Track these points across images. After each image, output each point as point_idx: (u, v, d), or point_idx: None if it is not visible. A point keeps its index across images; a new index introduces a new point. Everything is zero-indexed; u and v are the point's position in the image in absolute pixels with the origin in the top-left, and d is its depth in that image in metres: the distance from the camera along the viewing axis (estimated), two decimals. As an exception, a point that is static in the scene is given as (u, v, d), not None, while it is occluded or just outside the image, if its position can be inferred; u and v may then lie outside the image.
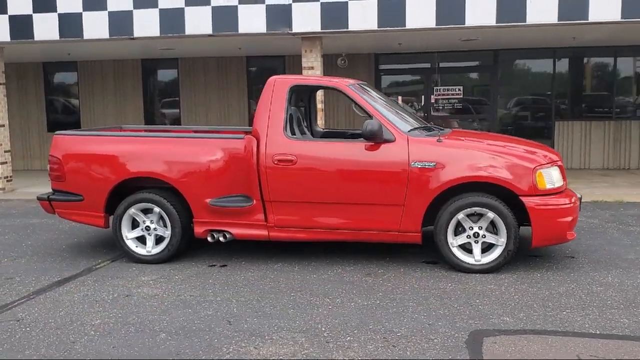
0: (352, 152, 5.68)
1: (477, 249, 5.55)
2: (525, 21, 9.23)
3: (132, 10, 10.03)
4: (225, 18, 9.82)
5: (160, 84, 14.90)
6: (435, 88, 13.44)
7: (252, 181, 5.81)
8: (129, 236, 6.08)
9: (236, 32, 9.88)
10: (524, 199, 5.40)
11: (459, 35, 10.80)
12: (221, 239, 5.96)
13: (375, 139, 5.53)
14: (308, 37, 10.06)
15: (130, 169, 5.95)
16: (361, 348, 3.94)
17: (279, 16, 9.72)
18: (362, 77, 13.53)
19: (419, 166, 5.50)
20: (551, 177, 5.50)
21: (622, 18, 8.99)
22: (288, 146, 5.76)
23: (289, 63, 13.92)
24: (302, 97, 6.66)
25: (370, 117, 5.74)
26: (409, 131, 5.71)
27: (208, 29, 9.92)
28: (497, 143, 5.81)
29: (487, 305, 4.71)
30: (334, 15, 9.60)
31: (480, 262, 5.51)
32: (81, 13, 10.18)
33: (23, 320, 4.53)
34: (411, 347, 3.94)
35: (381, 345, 3.97)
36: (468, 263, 5.53)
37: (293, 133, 5.94)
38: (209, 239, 5.99)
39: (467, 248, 5.61)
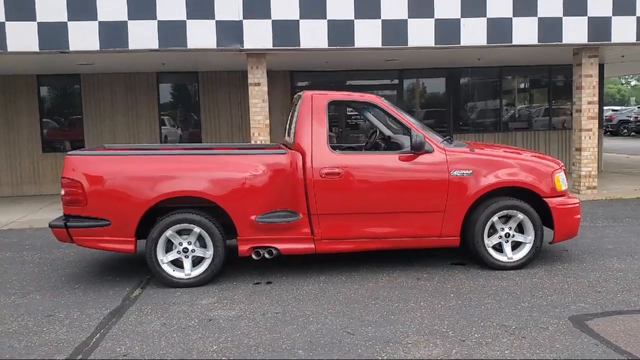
0: (394, 163, 5.97)
1: (508, 247, 6.12)
2: (459, 43, 10.17)
3: (66, 22, 9.31)
4: (172, 33, 9.52)
5: (57, 101, 13.77)
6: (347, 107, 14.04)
7: (299, 195, 5.84)
8: (164, 260, 5.76)
9: (185, 48, 9.62)
10: (547, 200, 6.09)
11: (387, 56, 11.52)
12: (267, 255, 5.89)
13: (422, 150, 5.89)
14: (254, 54, 10.10)
15: (169, 189, 5.66)
16: (497, 342, 4.25)
17: (230, 32, 9.66)
18: (279, 93, 13.80)
19: (458, 174, 5.96)
20: (563, 180, 6.26)
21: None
22: (334, 160, 5.89)
23: (203, 79, 13.68)
24: None
25: (406, 129, 6.08)
26: (441, 142, 6.15)
27: (154, 44, 9.53)
28: (513, 152, 6.45)
29: (553, 295, 5.26)
30: (286, 32, 9.77)
31: (513, 260, 6.09)
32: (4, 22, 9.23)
33: (131, 356, 4.18)
34: (540, 336, 4.33)
35: (513, 338, 4.32)
36: (502, 261, 6.08)
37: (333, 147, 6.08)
38: (254, 256, 5.88)
39: (495, 248, 6.15)
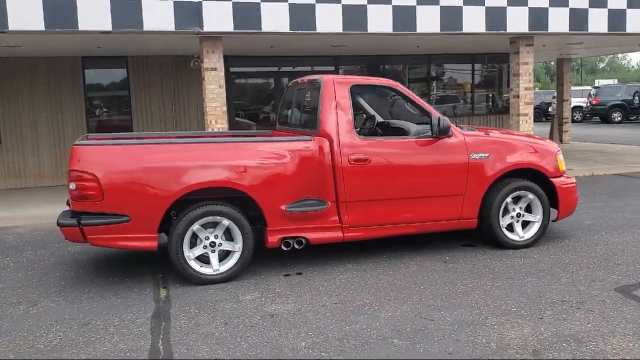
0: (418, 148, 5.98)
1: (519, 227, 6.36)
2: (416, 30, 10.35)
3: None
4: (127, 13, 8.84)
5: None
6: (285, 91, 13.85)
7: (327, 183, 5.68)
8: (191, 256, 5.38)
9: (140, 30, 8.98)
10: (553, 180, 6.39)
11: (334, 41, 11.49)
12: (296, 245, 5.68)
13: (446, 134, 5.94)
14: (209, 38, 9.67)
15: (197, 180, 5.27)
16: (573, 317, 4.40)
17: (189, 14, 9.15)
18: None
19: (477, 158, 6.09)
20: (563, 161, 6.60)
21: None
22: (361, 146, 5.78)
23: (133, 64, 12.86)
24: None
25: (425, 113, 6.10)
26: (456, 127, 6.24)
27: (106, 25, 8.80)
28: (518, 135, 6.69)
29: (582, 270, 5.54)
30: (247, 15, 9.42)
31: (524, 238, 6.34)
32: None
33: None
34: (605, 308, 4.55)
35: (583, 312, 4.49)
36: (515, 240, 6.31)
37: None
38: (284, 247, 5.65)
39: (507, 228, 6.35)
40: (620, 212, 7.97)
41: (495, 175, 6.14)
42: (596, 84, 39.72)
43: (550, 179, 6.38)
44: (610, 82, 45.69)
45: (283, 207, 5.54)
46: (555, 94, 20.22)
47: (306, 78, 6.52)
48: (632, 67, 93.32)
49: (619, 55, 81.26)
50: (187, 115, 13.33)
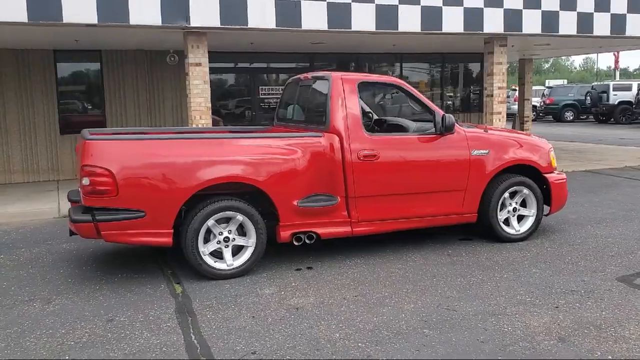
0: (423, 144, 6.13)
1: (514, 221, 6.60)
2: (397, 29, 10.54)
3: (-13, -11, 8.09)
4: (113, 6, 8.70)
5: None
6: (260, 88, 13.86)
7: (337, 178, 5.78)
8: (205, 252, 5.39)
9: (126, 23, 8.85)
10: (547, 176, 6.66)
11: (312, 39, 11.57)
12: (307, 240, 5.75)
13: (451, 131, 6.11)
14: (194, 33, 9.60)
15: (215, 175, 5.28)
16: (586, 305, 4.63)
17: (176, 9, 9.07)
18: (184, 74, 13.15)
19: (477, 154, 6.29)
20: (554, 157, 6.88)
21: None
22: (369, 142, 5.90)
23: (107, 58, 12.62)
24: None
25: (429, 111, 6.25)
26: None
27: (92, 18, 8.64)
28: (512, 132, 6.92)
29: (581, 262, 5.79)
30: (234, 11, 9.40)
31: (520, 232, 6.58)
32: None
33: (260, 354, 3.91)
34: (613, 297, 4.79)
35: (594, 301, 4.72)
36: (511, 234, 6.54)
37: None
38: (295, 242, 5.71)
39: (503, 222, 6.58)
40: (599, 207, 8.34)
41: (494, 171, 6.35)
42: (547, 84, 41.06)
43: (544, 175, 6.64)
44: (559, 82, 47.25)
45: (295, 203, 5.60)
46: (510, 93, 20.80)
47: (310, 75, 6.59)
48: (575, 68, 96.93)
49: (562, 57, 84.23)
50: (162, 111, 13.17)
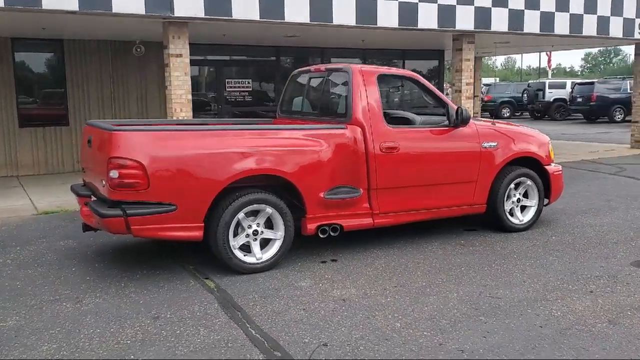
0: (439, 137, 6.24)
1: (518, 211, 6.82)
2: (376, 24, 10.63)
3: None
4: (95, -7, 8.33)
5: None
6: (227, 80, 13.65)
7: (360, 170, 5.79)
8: (236, 245, 5.28)
9: (109, 11, 8.48)
10: (547, 167, 6.91)
11: (285, 32, 11.50)
12: (331, 233, 5.74)
13: (467, 124, 6.24)
14: (175, 23, 9.33)
15: (247, 167, 5.18)
16: (616, 290, 4.85)
17: (160, -3, 8.78)
18: (155, 65, 12.83)
19: (487, 146, 6.46)
20: (552, 149, 7.16)
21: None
22: (390, 134, 5.94)
23: (69, 48, 12.07)
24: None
25: (442, 104, 6.36)
26: (467, 117, 6.56)
27: (73, 5, 8.23)
28: (515, 126, 7.11)
29: (590, 249, 6.05)
30: (218, 2, 9.20)
31: (524, 222, 6.81)
32: None
33: (331, 345, 3.88)
34: (630, 280, 5.04)
35: (622, 286, 4.96)
36: (515, 223, 6.76)
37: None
38: (321, 234, 5.68)
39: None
40: (578, 199, 8.73)
41: (502, 163, 6.54)
42: (482, 82, 42.38)
43: (544, 167, 6.89)
44: (490, 80, 48.94)
45: (321, 195, 5.57)
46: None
47: (323, 67, 6.56)
48: (497, 67, 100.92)
49: (485, 57, 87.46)
50: (127, 103, 12.73)
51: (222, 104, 13.68)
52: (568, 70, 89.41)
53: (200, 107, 13.62)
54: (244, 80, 13.82)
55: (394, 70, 6.59)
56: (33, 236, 6.81)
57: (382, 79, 6.24)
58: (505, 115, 31.68)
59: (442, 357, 3.67)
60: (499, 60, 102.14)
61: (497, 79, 52.23)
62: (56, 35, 11.51)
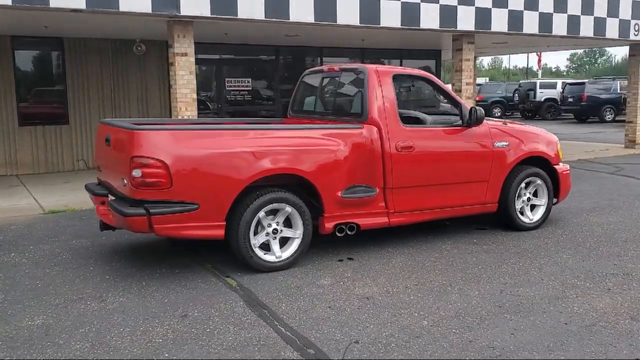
0: (453, 136, 6.30)
1: (528, 210, 6.90)
2: (379, 24, 10.69)
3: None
4: (102, -9, 8.30)
5: None
6: (227, 79, 13.64)
7: (376, 170, 5.84)
8: (256, 244, 5.31)
9: (116, 10, 8.46)
10: (556, 167, 7.00)
11: (287, 31, 11.52)
12: (348, 232, 5.78)
13: (481, 123, 6.31)
14: (180, 22, 9.32)
15: (266, 166, 5.20)
16: (633, 288, 4.95)
17: (166, -4, 8.77)
18: (155, 63, 12.81)
19: (499, 146, 6.53)
20: (560, 149, 7.25)
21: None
22: (405, 133, 5.99)
23: (69, 46, 12.01)
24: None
25: (455, 104, 6.43)
26: (477, 117, 6.63)
27: (80, 3, 8.21)
28: (525, 126, 7.18)
29: (601, 247, 6.13)
30: (224, 1, 9.20)
31: (533, 221, 6.89)
32: None
33: (362, 343, 3.93)
34: (653, 278, 5.16)
35: (629, 280, 5.06)
36: (525, 222, 6.84)
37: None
38: (338, 233, 5.72)
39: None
40: (582, 197, 8.83)
41: (513, 162, 6.61)
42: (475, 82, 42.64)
43: (554, 166, 6.98)
44: (481, 80, 49.21)
45: (339, 194, 5.61)
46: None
47: (337, 67, 6.59)
48: (484, 67, 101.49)
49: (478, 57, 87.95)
50: (127, 102, 12.68)
51: (222, 103, 13.67)
52: (554, 70, 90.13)
53: (200, 107, 13.61)
54: (243, 79, 13.81)
55: (408, 70, 6.65)
56: (45, 235, 6.79)
57: (397, 78, 6.28)
58: (497, 115, 31.89)
59: (474, 353, 3.72)
60: (485, 60, 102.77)
61: (487, 78, 52.51)
62: (56, 33, 11.45)
